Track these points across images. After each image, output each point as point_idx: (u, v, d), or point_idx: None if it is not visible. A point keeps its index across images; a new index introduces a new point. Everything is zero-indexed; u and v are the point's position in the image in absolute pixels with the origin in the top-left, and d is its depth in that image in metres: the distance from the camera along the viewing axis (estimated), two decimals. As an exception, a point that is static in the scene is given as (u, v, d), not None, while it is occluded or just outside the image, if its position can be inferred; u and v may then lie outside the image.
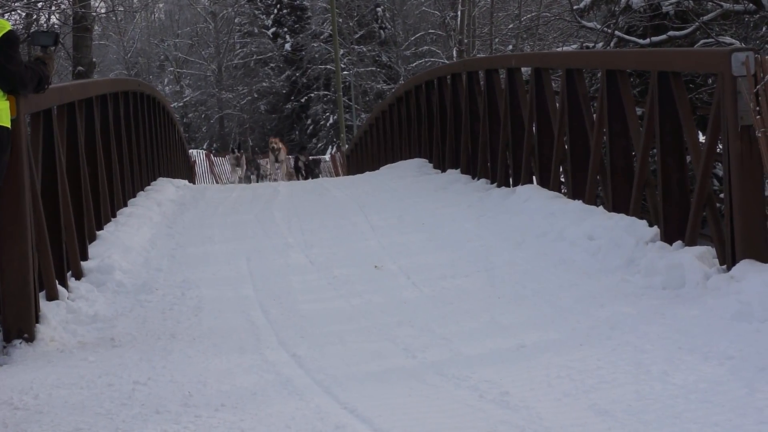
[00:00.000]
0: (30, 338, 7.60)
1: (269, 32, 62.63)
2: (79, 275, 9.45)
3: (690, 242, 8.51)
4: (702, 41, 15.97)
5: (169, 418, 5.86)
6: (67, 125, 10.09)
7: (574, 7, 18.98)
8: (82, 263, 9.68)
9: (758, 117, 7.61)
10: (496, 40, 42.06)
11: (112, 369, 6.89)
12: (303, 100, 60.79)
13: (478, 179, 14.62)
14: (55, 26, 26.22)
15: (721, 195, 8.88)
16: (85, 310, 8.40)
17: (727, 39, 15.38)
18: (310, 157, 38.29)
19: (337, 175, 41.58)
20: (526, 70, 13.97)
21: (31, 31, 13.05)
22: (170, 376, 6.66)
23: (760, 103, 7.59)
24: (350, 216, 13.01)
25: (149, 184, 15.91)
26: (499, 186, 13.69)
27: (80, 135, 10.45)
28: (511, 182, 13.49)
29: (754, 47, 11.62)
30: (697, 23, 15.98)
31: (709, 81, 15.04)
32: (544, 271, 9.10)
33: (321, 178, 30.67)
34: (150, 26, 73.73)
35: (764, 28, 15.54)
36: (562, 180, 12.24)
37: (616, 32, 17.10)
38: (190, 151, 36.21)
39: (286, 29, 62.36)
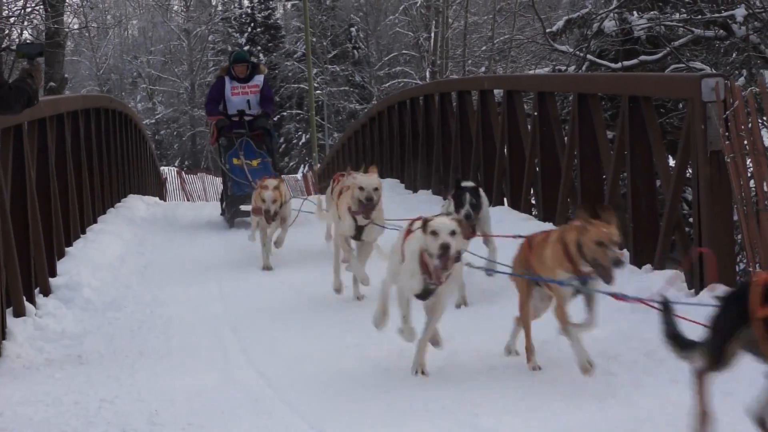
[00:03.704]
0: (-4, 355, 7.54)
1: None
2: (47, 292, 9.38)
3: (659, 266, 8.54)
4: (673, 66, 16.08)
5: (136, 436, 5.83)
6: (38, 141, 10.05)
7: (547, 31, 19.10)
8: (51, 280, 9.62)
9: (727, 142, 7.66)
10: (469, 61, 42.25)
11: (79, 386, 6.84)
12: (275, 119, 60.71)
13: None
14: (27, 42, 26.07)
15: (691, 219, 8.92)
16: (52, 327, 8.34)
17: (698, 64, 15.50)
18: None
19: (309, 194, 41.52)
20: (498, 92, 14.02)
21: (18, 43, 13.01)
22: (137, 394, 6.62)
23: (729, 128, 7.64)
24: (321, 235, 12.98)
25: (120, 201, 15.84)
26: (470, 207, 13.68)
27: (51, 151, 10.41)
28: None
29: (724, 73, 11.71)
30: (668, 48, 16.11)
31: (680, 106, 15.14)
32: (513, 292, 9.08)
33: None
34: (123, 43, 73.51)
35: (734, 54, 15.66)
36: (533, 202, 12.27)
37: (588, 56, 17.21)
38: (162, 168, 36.09)
39: (259, 48, 62.29)
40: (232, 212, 14.36)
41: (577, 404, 5.95)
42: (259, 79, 14.66)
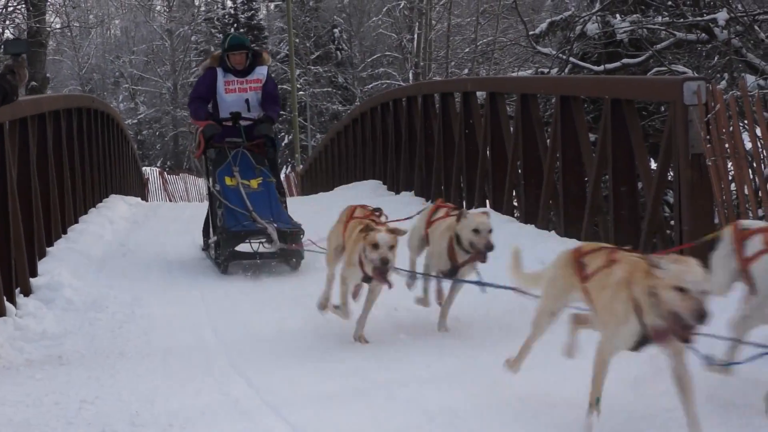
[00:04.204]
0: (-24, 355, 7.50)
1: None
2: (27, 292, 9.35)
3: (640, 268, 8.55)
4: (655, 69, 16.12)
5: (116, 437, 5.81)
6: (19, 141, 10.01)
7: (530, 33, 19.13)
8: (32, 280, 9.59)
9: (709, 146, 7.69)
10: (452, 63, 42.29)
11: (59, 387, 6.81)
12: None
13: (432, 202, 14.63)
14: (12, 39, 26.01)
15: (672, 222, 8.95)
16: (33, 327, 8.30)
17: (680, 67, 15.54)
18: None
19: (291, 195, 41.51)
20: (481, 94, 14.05)
21: (4, 41, 13.00)
22: (118, 395, 6.60)
23: (711, 132, 7.67)
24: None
25: (101, 201, 15.80)
26: (452, 209, 13.71)
27: (32, 151, 10.37)
28: (464, 205, 13.53)
29: (706, 76, 11.74)
30: (650, 51, 16.14)
31: (662, 109, 15.18)
32: (495, 296, 9.09)
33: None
34: (105, 42, 73.33)
35: (716, 58, 15.71)
36: (516, 204, 12.29)
37: (571, 58, 17.24)
38: (144, 168, 36.02)
39: (242, 48, 62.23)
40: (226, 254, 10.75)
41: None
42: (261, 72, 11.47)
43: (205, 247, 11.88)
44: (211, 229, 11.58)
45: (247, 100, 11.39)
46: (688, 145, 7.83)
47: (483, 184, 13.00)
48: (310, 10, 56.76)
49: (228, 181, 11.11)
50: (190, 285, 10.41)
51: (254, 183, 11.14)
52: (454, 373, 6.81)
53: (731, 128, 7.55)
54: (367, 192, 16.95)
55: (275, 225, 10.70)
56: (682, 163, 7.91)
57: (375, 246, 7.24)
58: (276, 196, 11.17)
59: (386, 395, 6.36)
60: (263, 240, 10.78)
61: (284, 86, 55.54)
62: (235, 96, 11.38)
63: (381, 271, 7.30)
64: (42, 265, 10.25)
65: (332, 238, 8.26)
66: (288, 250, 10.69)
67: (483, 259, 7.65)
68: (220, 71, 11.37)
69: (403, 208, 14.57)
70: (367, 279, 7.57)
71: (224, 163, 11.22)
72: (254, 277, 10.69)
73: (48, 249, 10.97)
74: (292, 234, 10.77)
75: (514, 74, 21.78)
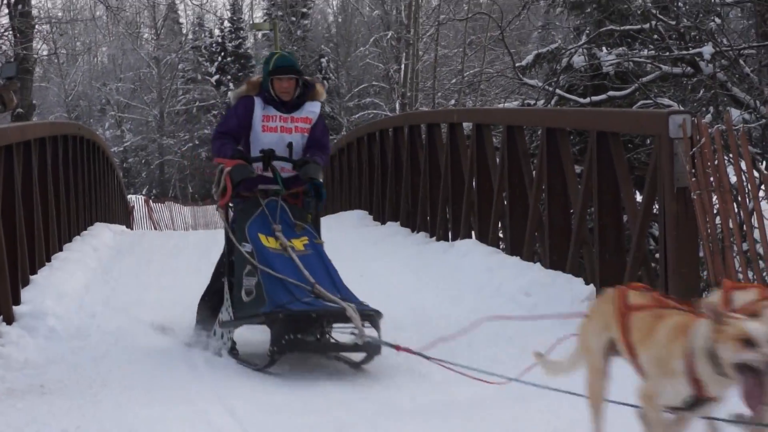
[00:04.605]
0: (-43, 383, 7.45)
1: (213, 79, 62.62)
2: (10, 320, 9.29)
3: (625, 301, 8.55)
4: (641, 102, 16.19)
5: (98, 468, 5.77)
6: (4, 168, 9.97)
7: (517, 65, 19.20)
8: (14, 308, 9.52)
9: (694, 179, 7.71)
10: (439, 94, 42.39)
11: (41, 417, 6.76)
12: (245, 148, 60.60)
13: (418, 232, 14.66)
14: (5, 62, 26.01)
15: (657, 255, 8.96)
16: (15, 356, 8.25)
17: (666, 100, 15.61)
18: None
19: (277, 224, 41.37)
20: (467, 125, 14.08)
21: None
22: (100, 425, 6.55)
23: (696, 165, 7.69)
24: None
25: (86, 229, 15.75)
26: (438, 240, 13.73)
27: (17, 178, 10.34)
28: (450, 236, 13.54)
29: (692, 110, 11.80)
30: (636, 84, 16.21)
31: (647, 142, 15.23)
32: (480, 327, 9.08)
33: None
34: (92, 70, 73.36)
35: (701, 91, 15.78)
36: (501, 235, 12.30)
37: (557, 90, 17.30)
38: (129, 196, 35.95)
39: (229, 77, 62.36)
40: (281, 343, 7.60)
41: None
42: (312, 110, 8.48)
43: (205, 328, 8.65)
44: (229, 307, 8.23)
45: (290, 144, 8.38)
46: (673, 179, 7.85)
47: (469, 215, 13.02)
48: (297, 39, 56.91)
49: (265, 240, 8.08)
50: (175, 314, 10.36)
51: (298, 244, 8.17)
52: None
53: (716, 162, 7.57)
54: (354, 221, 16.96)
55: (353, 305, 7.69)
56: (667, 196, 7.93)
57: (746, 343, 4.38)
58: (332, 264, 8.28)
59: (371, 426, 6.34)
60: (346, 327, 7.69)
61: (271, 115, 55.51)
62: (275, 137, 8.37)
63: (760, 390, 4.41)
64: (25, 293, 10.19)
65: (589, 338, 5.32)
66: (373, 342, 7.59)
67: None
68: (258, 101, 8.39)
69: (389, 239, 14.65)
70: (694, 402, 4.70)
71: (254, 215, 8.23)
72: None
73: (32, 277, 10.91)
74: (372, 317, 7.72)
75: (501, 105, 21.86)
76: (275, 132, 8.35)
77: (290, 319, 7.60)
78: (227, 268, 8.36)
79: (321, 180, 8.35)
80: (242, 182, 8.22)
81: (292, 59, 8.53)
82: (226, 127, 8.52)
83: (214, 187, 8.39)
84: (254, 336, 8.44)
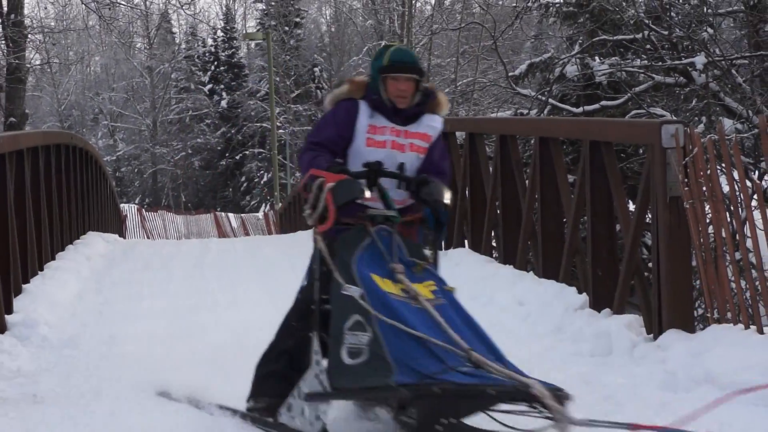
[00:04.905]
0: (-51, 392, 7.43)
1: (205, 88, 62.69)
2: (2, 329, 9.27)
3: (618, 310, 8.57)
4: (634, 111, 16.24)
5: (90, 477, 5.76)
6: (-3, 176, 9.98)
7: (510, 74, 19.23)
8: (7, 317, 9.51)
9: (687, 189, 7.72)
10: (432, 103, 42.37)
11: (34, 426, 6.74)
12: (237, 157, 60.77)
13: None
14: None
15: (650, 264, 8.97)
16: (7, 365, 8.23)
17: (658, 110, 15.65)
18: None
19: (270, 233, 41.44)
20: (460, 135, 14.08)
21: None
22: (93, 435, 6.54)
23: (688, 175, 7.70)
24: (281, 275, 12.94)
25: (79, 238, 15.74)
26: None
27: (9, 187, 10.33)
28: (443, 245, 13.53)
29: (684, 120, 11.83)
30: (629, 94, 16.26)
31: (640, 151, 15.26)
32: (474, 336, 9.09)
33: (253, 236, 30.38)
34: (85, 79, 73.38)
35: (694, 101, 15.82)
36: (494, 244, 12.30)
37: (550, 100, 17.34)
38: (122, 205, 35.92)
39: (222, 86, 62.46)
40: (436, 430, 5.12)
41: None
42: (432, 125, 6.38)
43: (266, 411, 6.43)
44: (320, 373, 5.82)
45: (401, 166, 6.19)
46: (666, 188, 7.85)
47: (461, 224, 13.02)
48: (290, 48, 56.98)
49: (382, 284, 5.69)
50: (167, 322, 10.36)
51: (425, 291, 5.87)
52: None
53: (709, 171, 7.58)
54: (346, 231, 16.93)
55: (536, 379, 5.37)
56: (660, 205, 7.93)
57: None
58: (457, 300, 6.10)
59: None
60: (526, 409, 5.32)
61: (264, 124, 55.58)
62: (383, 153, 6.16)
63: None
64: (17, 302, 10.17)
65: None
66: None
67: None
68: (364, 107, 6.22)
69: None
70: None
71: (360, 247, 5.89)
72: (234, 314, 10.62)
73: (24, 286, 10.89)
74: (560, 397, 5.27)
75: (494, 115, 21.88)
76: (383, 147, 6.15)
77: (450, 397, 5.21)
78: (316, 318, 6.09)
79: (444, 203, 6.35)
80: (346, 205, 5.93)
81: (413, 54, 6.35)
82: (320, 136, 6.27)
83: (307, 208, 6.08)
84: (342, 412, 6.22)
